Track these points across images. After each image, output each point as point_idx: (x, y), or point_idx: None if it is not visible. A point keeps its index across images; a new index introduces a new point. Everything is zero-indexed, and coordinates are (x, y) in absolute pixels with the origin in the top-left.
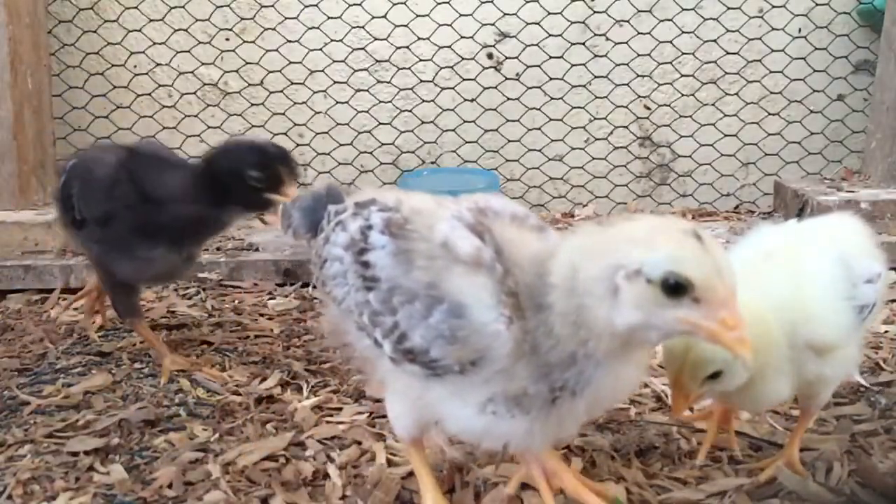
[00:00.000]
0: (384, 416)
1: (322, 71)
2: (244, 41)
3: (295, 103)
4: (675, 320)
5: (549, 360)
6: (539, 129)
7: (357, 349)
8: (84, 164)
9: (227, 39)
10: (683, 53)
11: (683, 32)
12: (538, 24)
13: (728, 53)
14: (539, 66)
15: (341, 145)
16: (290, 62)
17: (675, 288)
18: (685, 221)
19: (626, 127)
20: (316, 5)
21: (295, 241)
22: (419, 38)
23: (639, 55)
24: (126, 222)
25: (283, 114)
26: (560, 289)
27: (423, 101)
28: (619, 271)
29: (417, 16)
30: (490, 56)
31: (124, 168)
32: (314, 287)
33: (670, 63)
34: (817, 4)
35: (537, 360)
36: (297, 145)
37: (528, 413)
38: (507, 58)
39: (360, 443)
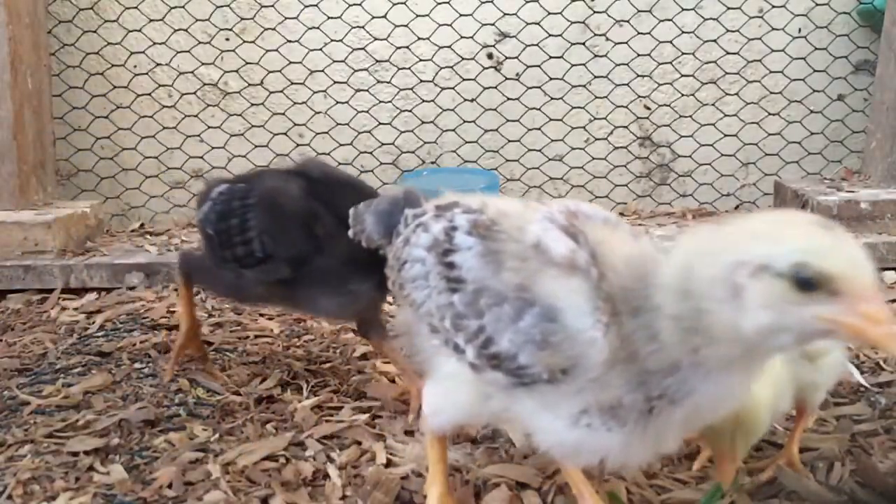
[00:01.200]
0: (384, 416)
1: (322, 71)
2: (244, 41)
3: (295, 103)
4: (812, 318)
5: (647, 368)
6: (539, 129)
7: (423, 350)
8: (265, 196)
9: (227, 39)
10: (683, 53)
11: (683, 32)
12: (538, 24)
13: (728, 53)
14: (539, 66)
15: (341, 145)
16: (290, 62)
17: (808, 282)
18: (810, 214)
19: (626, 127)
20: (316, 5)
21: (366, 246)
22: (419, 38)
23: (639, 55)
24: (330, 258)
25: (283, 114)
26: (672, 291)
27: (423, 101)
28: (741, 268)
29: (417, 16)
30: (490, 56)
31: (313, 197)
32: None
33: (670, 63)
34: (817, 4)
35: (633, 368)
36: (297, 145)
37: (624, 425)
38: (507, 58)
39: (360, 443)
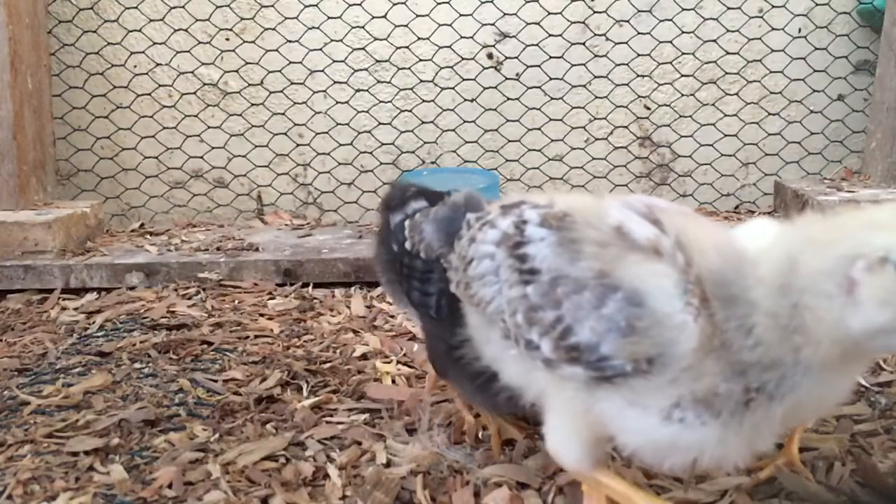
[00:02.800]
0: (384, 416)
1: (322, 71)
2: (244, 41)
3: (295, 103)
4: None
5: (742, 359)
6: (539, 129)
7: (502, 364)
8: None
9: (227, 39)
10: (683, 53)
11: (683, 32)
12: (538, 24)
13: (728, 53)
14: (539, 66)
15: (341, 145)
16: (290, 62)
17: None
18: None
19: (626, 127)
20: (316, 5)
21: (425, 257)
22: (419, 38)
23: (639, 55)
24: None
25: (283, 114)
26: (769, 285)
27: (423, 101)
28: (857, 262)
29: (417, 16)
30: (490, 56)
31: None
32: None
33: (670, 63)
34: (817, 4)
35: (729, 357)
36: (297, 145)
37: (718, 416)
38: (507, 58)
39: (360, 443)
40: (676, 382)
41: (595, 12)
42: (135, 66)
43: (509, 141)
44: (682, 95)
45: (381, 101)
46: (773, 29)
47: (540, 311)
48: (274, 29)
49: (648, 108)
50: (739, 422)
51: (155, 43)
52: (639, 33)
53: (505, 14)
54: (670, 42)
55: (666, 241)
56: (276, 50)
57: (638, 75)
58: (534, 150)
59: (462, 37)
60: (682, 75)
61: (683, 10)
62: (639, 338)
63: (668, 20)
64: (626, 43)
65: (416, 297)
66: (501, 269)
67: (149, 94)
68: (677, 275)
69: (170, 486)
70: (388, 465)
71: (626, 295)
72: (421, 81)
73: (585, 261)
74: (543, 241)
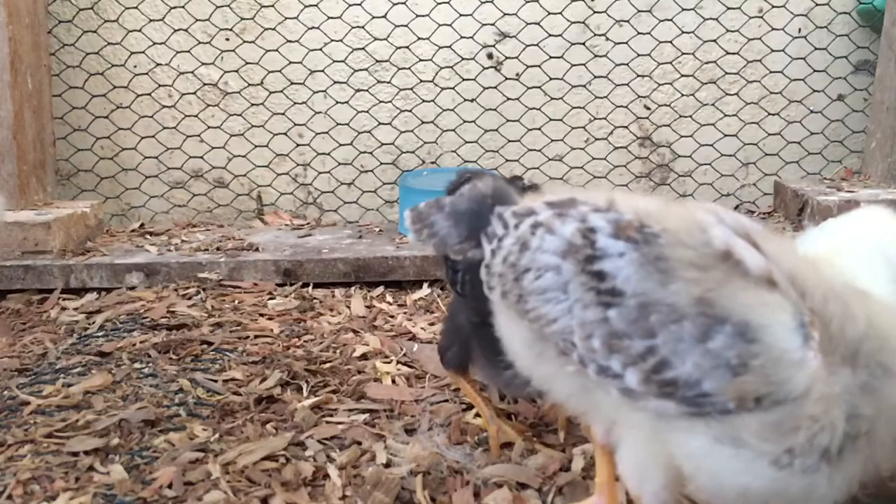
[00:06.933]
0: (384, 416)
1: (322, 71)
2: (244, 41)
3: (295, 103)
4: None
5: (861, 412)
6: (539, 129)
7: (553, 381)
8: None
9: (227, 39)
10: (683, 53)
11: (683, 32)
12: (538, 24)
13: (728, 53)
14: (539, 66)
15: (341, 145)
16: (290, 62)
17: None
18: None
19: (626, 127)
20: (316, 5)
21: (436, 252)
22: (419, 38)
23: (639, 55)
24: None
25: (283, 114)
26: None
27: (423, 101)
28: None
29: (417, 16)
30: (490, 56)
31: None
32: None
33: (670, 63)
34: (817, 4)
35: (847, 406)
36: (297, 145)
37: (837, 465)
38: (507, 58)
39: (360, 443)
40: (792, 424)
41: (595, 12)
42: (135, 66)
43: (509, 141)
44: (682, 95)
45: (381, 101)
46: (773, 29)
47: (625, 338)
48: (274, 29)
49: (648, 108)
50: (854, 463)
51: (155, 43)
52: (639, 33)
53: (505, 14)
54: (670, 42)
55: (777, 272)
56: (276, 50)
57: (638, 75)
58: (534, 150)
59: (462, 37)
60: (682, 75)
61: (683, 10)
62: (751, 377)
63: (668, 20)
64: (626, 43)
65: (449, 275)
66: (571, 286)
67: (149, 94)
68: (792, 306)
69: (170, 486)
70: (388, 465)
71: (736, 329)
72: (421, 81)
73: (678, 284)
74: (623, 258)
